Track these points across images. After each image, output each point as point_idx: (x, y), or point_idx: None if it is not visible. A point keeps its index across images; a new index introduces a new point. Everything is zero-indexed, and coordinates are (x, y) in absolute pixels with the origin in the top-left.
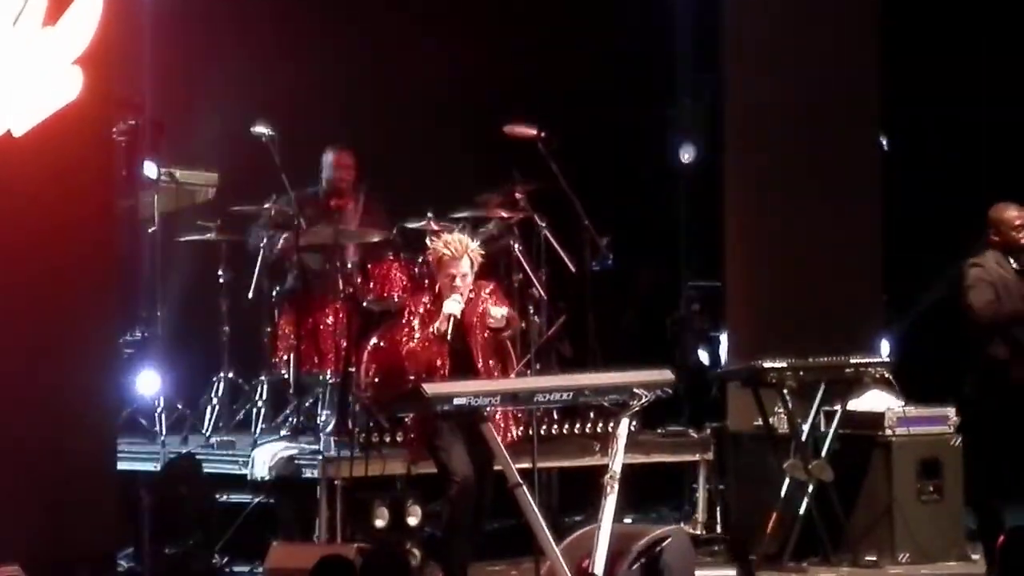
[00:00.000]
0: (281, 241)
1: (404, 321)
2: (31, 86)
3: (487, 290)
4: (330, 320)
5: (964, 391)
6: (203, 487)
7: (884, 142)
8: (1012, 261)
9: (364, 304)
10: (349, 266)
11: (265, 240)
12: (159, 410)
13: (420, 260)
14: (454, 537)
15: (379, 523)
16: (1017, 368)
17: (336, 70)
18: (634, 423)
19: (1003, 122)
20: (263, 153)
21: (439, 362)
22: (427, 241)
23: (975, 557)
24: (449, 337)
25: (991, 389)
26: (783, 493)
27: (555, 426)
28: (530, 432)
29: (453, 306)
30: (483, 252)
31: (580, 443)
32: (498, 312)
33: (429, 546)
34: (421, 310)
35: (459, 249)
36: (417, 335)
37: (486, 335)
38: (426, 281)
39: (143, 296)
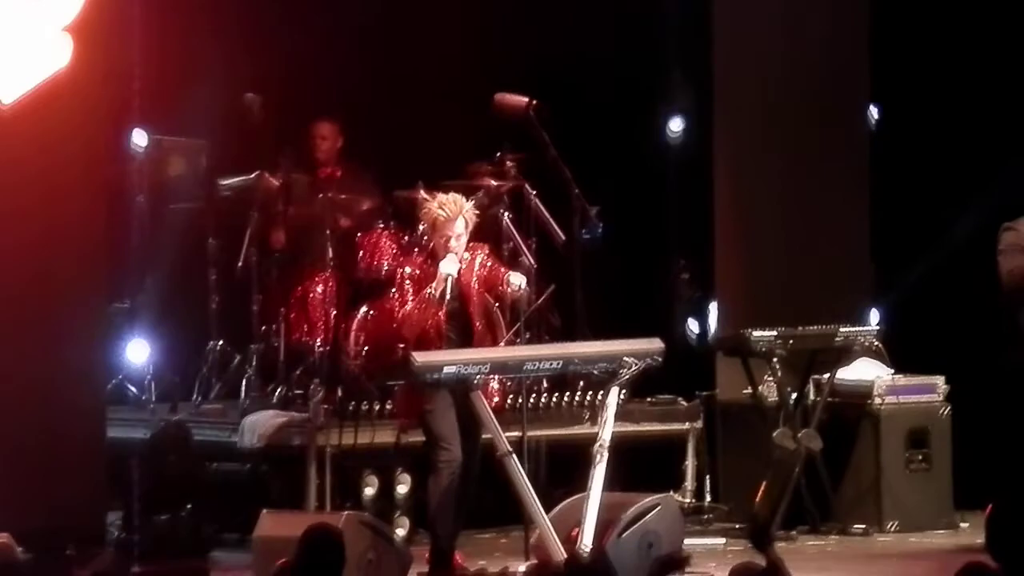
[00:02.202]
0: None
1: (396, 286)
2: (21, 54)
3: (484, 252)
4: (319, 289)
5: (1002, 358)
6: (192, 456)
7: (873, 113)
8: None
9: (354, 273)
10: (338, 235)
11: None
12: (148, 378)
13: (409, 230)
14: (443, 505)
15: (368, 492)
16: None
17: (327, 41)
18: (623, 392)
19: (991, 94)
20: (252, 123)
21: (432, 325)
22: (423, 204)
23: (963, 526)
24: (448, 297)
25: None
26: (772, 462)
27: (544, 395)
28: (519, 401)
29: (450, 266)
30: (477, 212)
31: (569, 412)
32: (517, 280)
33: (418, 515)
34: (414, 273)
35: (454, 210)
36: (411, 299)
37: (482, 297)
38: (415, 248)
39: (132, 265)
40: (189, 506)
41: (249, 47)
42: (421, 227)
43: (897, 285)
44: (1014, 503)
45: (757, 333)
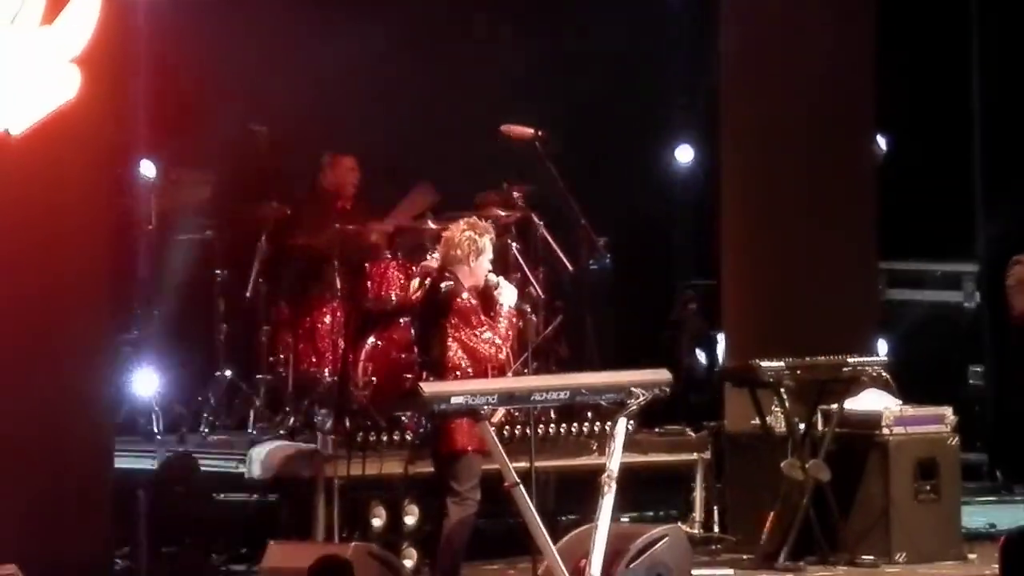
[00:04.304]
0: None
1: (480, 318)
2: (29, 85)
3: None
4: (328, 320)
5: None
6: (200, 486)
7: (880, 142)
8: None
9: (362, 303)
10: (347, 266)
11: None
12: (156, 409)
13: (417, 261)
14: (462, 539)
15: (376, 523)
16: None
17: (333, 72)
18: (631, 423)
19: (997, 123)
20: (260, 152)
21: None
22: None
23: (971, 556)
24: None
25: None
26: (780, 493)
27: (552, 426)
28: (527, 431)
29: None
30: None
31: (577, 443)
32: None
33: (426, 546)
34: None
35: (487, 230)
36: (488, 332)
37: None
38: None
39: (140, 295)
40: (197, 537)
41: (256, 78)
42: (434, 257)
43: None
44: None
45: (765, 364)
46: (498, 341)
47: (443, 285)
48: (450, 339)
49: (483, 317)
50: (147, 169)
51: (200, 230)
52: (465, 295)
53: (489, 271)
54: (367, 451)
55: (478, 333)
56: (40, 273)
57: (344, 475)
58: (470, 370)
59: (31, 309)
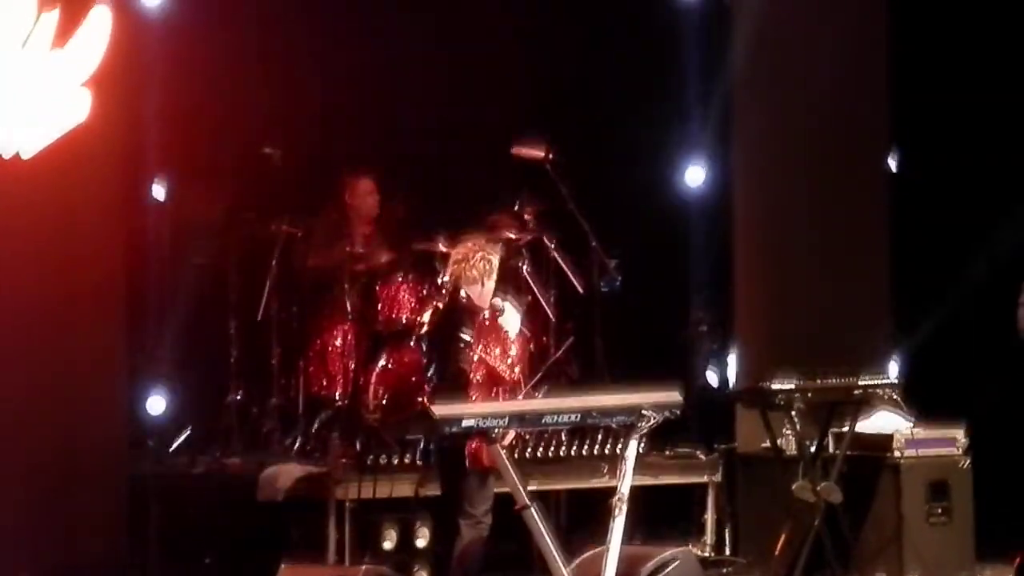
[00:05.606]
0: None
1: (496, 335)
2: (40, 108)
3: None
4: (339, 342)
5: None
6: (212, 508)
7: (892, 162)
8: None
9: (373, 325)
10: (358, 287)
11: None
12: (167, 430)
13: (428, 282)
14: (475, 560)
15: (388, 544)
16: None
17: (345, 92)
18: (642, 444)
19: (1011, 140)
20: (272, 174)
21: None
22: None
23: None
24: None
25: None
26: (791, 515)
27: (563, 447)
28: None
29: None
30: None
31: (588, 465)
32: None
33: (437, 567)
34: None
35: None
36: (499, 349)
37: None
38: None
39: (152, 316)
40: (208, 559)
41: (268, 98)
42: (445, 278)
43: (917, 331)
44: None
45: (776, 385)
46: (511, 356)
47: (462, 299)
48: (470, 352)
49: (499, 334)
50: (159, 190)
51: (212, 251)
52: (483, 311)
53: (494, 296)
54: (378, 473)
55: (492, 348)
56: (54, 294)
57: (355, 497)
58: (486, 386)
59: (45, 329)
